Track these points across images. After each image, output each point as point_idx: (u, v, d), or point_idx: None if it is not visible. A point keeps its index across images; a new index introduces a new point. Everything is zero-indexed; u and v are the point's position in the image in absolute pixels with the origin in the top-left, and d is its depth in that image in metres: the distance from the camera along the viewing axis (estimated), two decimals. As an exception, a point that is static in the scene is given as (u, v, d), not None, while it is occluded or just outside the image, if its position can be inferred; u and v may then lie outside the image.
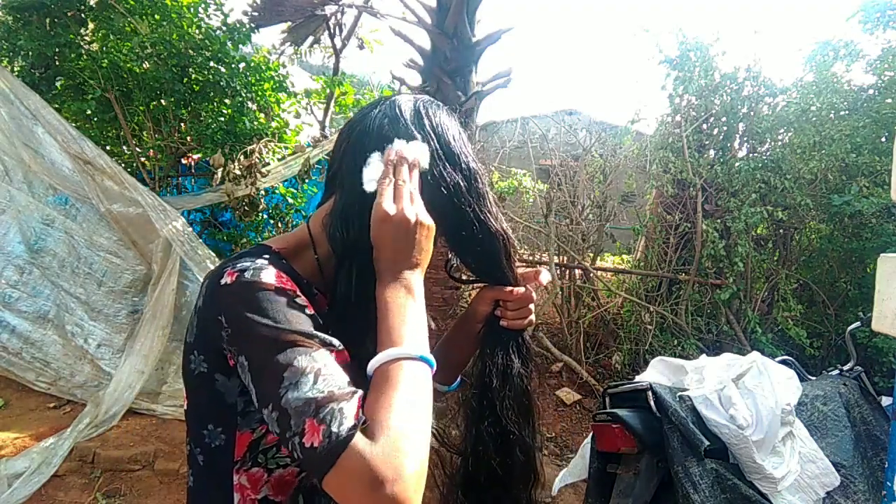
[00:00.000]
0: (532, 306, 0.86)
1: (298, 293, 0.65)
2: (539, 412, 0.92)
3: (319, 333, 0.62)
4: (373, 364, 0.59)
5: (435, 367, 0.63)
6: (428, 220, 0.67)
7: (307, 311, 0.64)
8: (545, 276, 0.87)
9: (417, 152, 0.69)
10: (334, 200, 0.72)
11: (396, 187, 0.66)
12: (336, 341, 0.63)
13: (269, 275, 0.64)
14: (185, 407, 0.73)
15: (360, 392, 0.57)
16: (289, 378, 0.56)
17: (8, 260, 3.45)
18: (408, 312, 0.63)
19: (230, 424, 0.69)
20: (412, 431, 0.54)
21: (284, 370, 0.56)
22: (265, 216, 3.98)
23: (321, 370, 0.57)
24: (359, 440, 0.52)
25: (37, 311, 3.43)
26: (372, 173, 0.68)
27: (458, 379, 0.94)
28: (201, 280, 3.30)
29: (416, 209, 0.66)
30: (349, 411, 0.53)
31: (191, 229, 3.41)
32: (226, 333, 0.63)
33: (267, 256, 0.68)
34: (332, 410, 0.53)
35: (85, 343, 3.36)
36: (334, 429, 0.52)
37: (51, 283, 3.43)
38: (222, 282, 0.63)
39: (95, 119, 3.83)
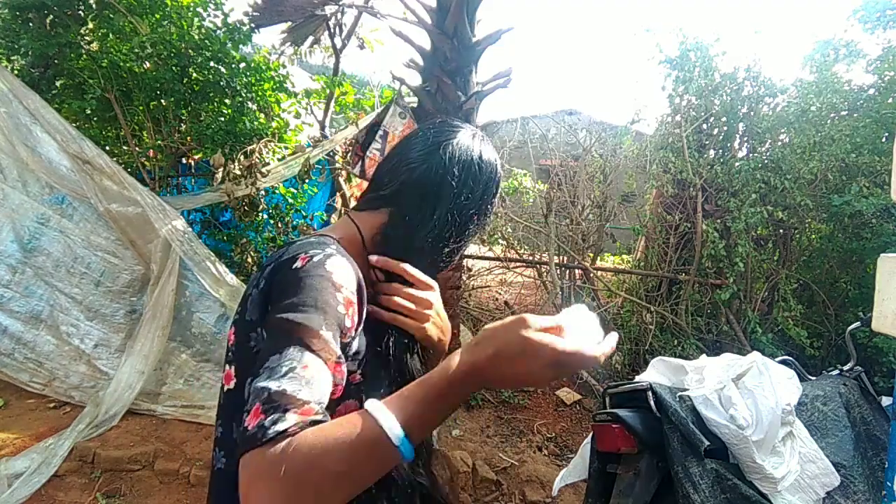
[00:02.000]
0: (432, 312, 0.78)
1: (345, 289, 0.66)
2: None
3: (330, 337, 0.61)
4: (367, 405, 0.56)
5: (406, 459, 0.56)
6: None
7: (341, 309, 0.64)
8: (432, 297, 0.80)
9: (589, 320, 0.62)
10: (390, 222, 0.77)
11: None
12: (338, 352, 0.62)
13: (335, 263, 0.66)
14: (227, 388, 0.72)
15: (318, 415, 0.54)
16: (272, 362, 0.57)
17: (-1, 259, 3.42)
18: (441, 404, 0.57)
19: None
20: (331, 475, 0.51)
21: (273, 353, 0.57)
22: (265, 216, 3.98)
23: (298, 370, 0.56)
24: (277, 446, 0.51)
25: (29, 311, 3.39)
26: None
27: None
28: (203, 278, 3.26)
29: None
30: (291, 418, 0.52)
31: (190, 229, 3.40)
32: (269, 307, 0.65)
33: (335, 247, 0.70)
34: (278, 407, 0.53)
35: (81, 343, 3.34)
36: (266, 423, 0.52)
37: (44, 282, 3.40)
38: (294, 266, 0.65)
39: (95, 119, 3.82)
